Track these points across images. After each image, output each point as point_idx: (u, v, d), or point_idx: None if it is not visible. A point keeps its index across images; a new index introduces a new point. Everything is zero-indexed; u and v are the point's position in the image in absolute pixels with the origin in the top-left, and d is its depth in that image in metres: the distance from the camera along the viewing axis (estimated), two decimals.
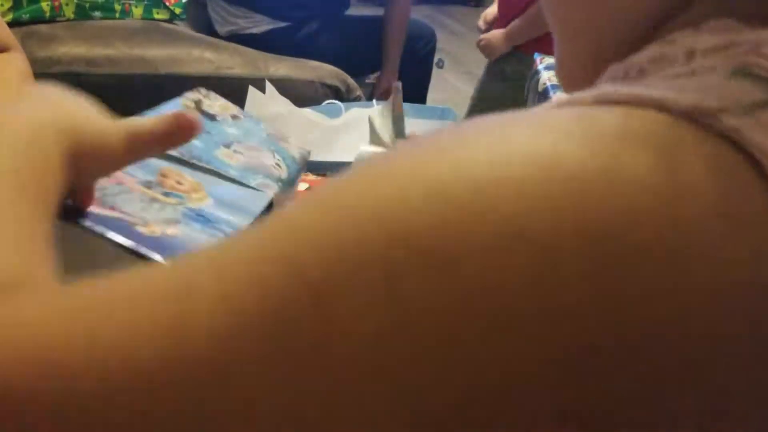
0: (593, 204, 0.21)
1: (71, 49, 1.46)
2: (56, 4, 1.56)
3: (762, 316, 0.21)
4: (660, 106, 0.23)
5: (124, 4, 1.67)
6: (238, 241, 0.24)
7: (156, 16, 1.73)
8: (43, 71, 1.40)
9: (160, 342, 0.22)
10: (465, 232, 0.20)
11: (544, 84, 1.79)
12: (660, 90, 0.23)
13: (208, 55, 1.58)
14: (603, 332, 0.20)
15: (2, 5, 1.48)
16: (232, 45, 1.67)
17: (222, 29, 2.02)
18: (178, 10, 1.76)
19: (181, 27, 1.78)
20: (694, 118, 0.22)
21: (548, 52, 2.29)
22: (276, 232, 0.23)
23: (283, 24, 2.01)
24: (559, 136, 0.22)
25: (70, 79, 1.42)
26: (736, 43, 0.26)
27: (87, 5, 1.61)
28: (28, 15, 1.52)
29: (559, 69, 0.37)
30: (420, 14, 2.29)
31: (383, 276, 0.20)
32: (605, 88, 0.24)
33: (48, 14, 1.55)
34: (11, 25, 1.47)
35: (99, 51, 1.48)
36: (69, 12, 1.58)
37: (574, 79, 0.36)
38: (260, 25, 2.01)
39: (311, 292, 0.21)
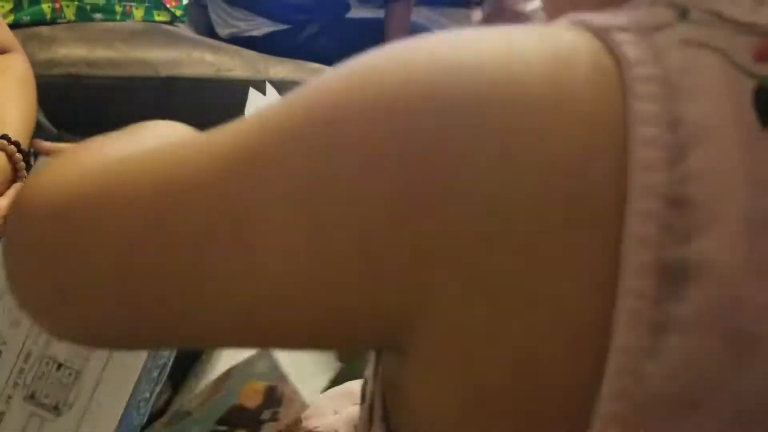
0: (461, 79, 0.26)
1: (72, 50, 1.46)
2: (57, 6, 1.56)
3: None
4: (587, 26, 0.27)
5: (124, 5, 1.67)
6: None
7: (157, 18, 1.73)
8: (44, 73, 1.40)
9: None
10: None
11: None
12: (605, 17, 0.27)
13: (209, 57, 1.58)
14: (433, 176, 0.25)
15: (3, 7, 1.48)
16: (233, 47, 1.68)
17: (223, 31, 2.02)
18: (178, 12, 1.76)
19: (182, 29, 1.78)
20: (601, 35, 0.26)
21: None
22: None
23: (283, 27, 2.01)
24: (498, 41, 0.27)
25: (71, 81, 1.42)
26: None
27: (88, 7, 1.61)
28: (28, 17, 1.52)
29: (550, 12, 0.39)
30: (420, 16, 2.29)
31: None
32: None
33: (49, 16, 1.55)
34: (12, 26, 1.47)
35: (100, 53, 1.48)
36: (70, 14, 1.58)
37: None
38: (260, 27, 2.01)
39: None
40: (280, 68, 1.61)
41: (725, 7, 0.26)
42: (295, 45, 1.94)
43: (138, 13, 1.70)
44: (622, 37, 0.26)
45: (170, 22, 1.76)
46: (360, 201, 0.26)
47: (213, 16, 2.06)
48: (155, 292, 0.30)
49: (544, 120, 0.25)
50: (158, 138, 0.41)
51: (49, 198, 0.33)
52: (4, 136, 0.96)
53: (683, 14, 0.26)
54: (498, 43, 0.27)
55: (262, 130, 0.30)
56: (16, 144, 0.96)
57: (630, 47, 0.25)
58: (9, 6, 1.49)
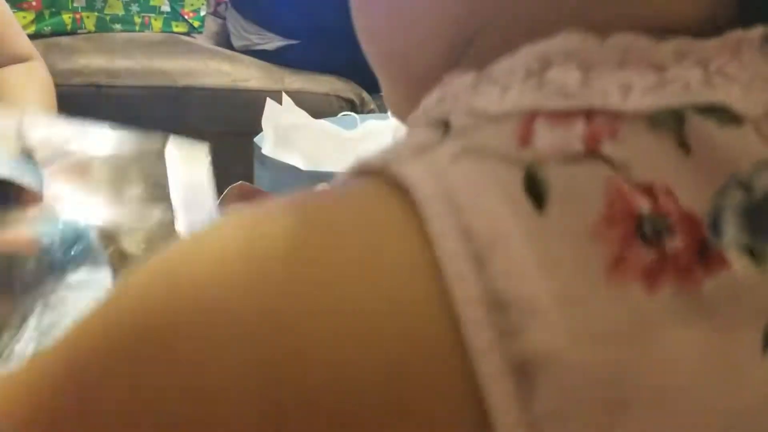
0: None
1: (92, 60, 1.48)
2: (78, 16, 1.59)
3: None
4: (369, 170, 0.26)
5: (143, 17, 1.70)
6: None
7: (175, 29, 1.75)
8: (64, 83, 1.42)
9: None
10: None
11: None
12: (388, 151, 0.26)
13: (225, 67, 1.60)
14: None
15: (25, 17, 1.51)
16: (249, 58, 1.70)
17: (237, 43, 2.04)
18: (196, 23, 1.79)
19: (200, 40, 1.81)
20: (382, 174, 0.25)
21: None
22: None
23: (293, 41, 2.03)
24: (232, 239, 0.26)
25: (91, 91, 1.45)
26: (444, 96, 0.28)
27: (108, 18, 1.63)
28: (50, 27, 1.55)
29: (385, 97, 0.37)
30: None
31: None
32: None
33: (69, 27, 1.58)
34: (33, 37, 1.50)
35: (119, 63, 1.50)
36: (90, 24, 1.61)
37: (397, 106, 0.36)
38: (272, 42, 2.03)
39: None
40: (295, 78, 1.63)
41: (478, 101, 0.26)
42: (306, 58, 1.95)
43: (157, 24, 1.72)
44: (401, 169, 0.25)
45: (188, 33, 1.78)
46: None
47: (230, 27, 2.08)
48: None
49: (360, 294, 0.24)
50: None
51: None
52: None
53: (446, 127, 0.26)
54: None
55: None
56: None
57: (410, 174, 0.25)
58: (31, 16, 1.52)
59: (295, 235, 0.25)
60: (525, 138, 0.25)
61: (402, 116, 0.35)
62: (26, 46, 1.12)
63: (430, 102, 0.28)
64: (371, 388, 0.23)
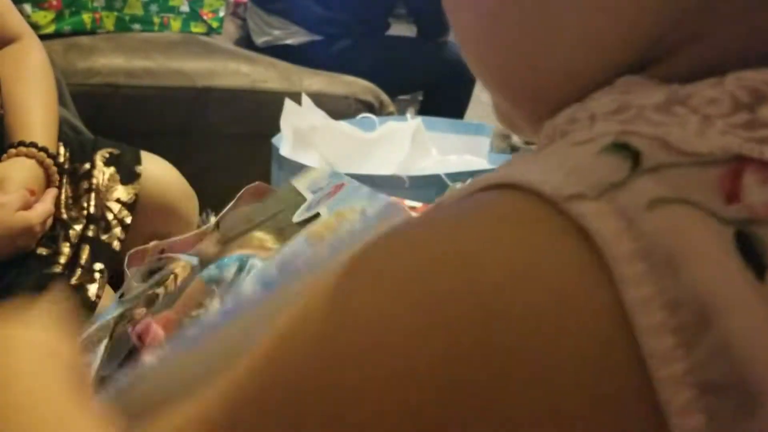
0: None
1: (111, 60, 1.48)
2: (97, 16, 1.59)
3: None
4: (530, 190, 0.23)
5: (162, 17, 1.69)
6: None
7: (193, 30, 1.75)
8: (84, 82, 1.42)
9: None
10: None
11: None
12: (537, 171, 0.24)
13: (244, 68, 1.59)
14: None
15: (45, 17, 1.51)
16: (268, 58, 1.69)
17: (258, 39, 2.04)
18: (215, 24, 1.79)
19: (218, 40, 1.80)
20: (554, 202, 0.23)
21: None
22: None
23: (318, 37, 2.03)
24: (437, 233, 0.24)
25: (110, 90, 1.45)
26: (625, 107, 0.25)
27: (127, 18, 1.63)
28: (69, 27, 1.55)
29: (498, 115, 0.34)
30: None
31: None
32: (489, 175, 0.25)
33: (89, 26, 1.58)
34: (53, 36, 1.51)
35: (138, 63, 1.50)
36: (109, 24, 1.61)
37: (513, 123, 0.33)
38: (296, 36, 2.02)
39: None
40: (315, 80, 1.62)
41: (673, 136, 0.23)
42: (329, 56, 1.95)
43: (175, 24, 1.72)
44: (582, 209, 0.22)
45: (207, 34, 1.78)
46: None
47: (251, 24, 2.08)
48: None
49: (551, 331, 0.22)
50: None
51: None
52: (33, 144, 0.96)
53: (635, 161, 0.23)
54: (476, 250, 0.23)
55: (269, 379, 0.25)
56: (45, 149, 0.97)
57: (597, 220, 0.22)
58: (51, 16, 1.52)
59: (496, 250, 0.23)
60: (733, 193, 0.22)
61: (515, 123, 0.32)
62: (17, 23, 1.10)
63: (598, 107, 0.25)
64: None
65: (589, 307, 0.22)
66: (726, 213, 0.22)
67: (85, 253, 0.99)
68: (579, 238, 0.22)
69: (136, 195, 1.09)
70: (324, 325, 0.24)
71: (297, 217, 0.64)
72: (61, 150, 1.06)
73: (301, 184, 0.70)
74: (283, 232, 0.65)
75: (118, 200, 1.07)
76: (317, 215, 0.62)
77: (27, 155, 0.95)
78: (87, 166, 1.07)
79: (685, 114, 0.23)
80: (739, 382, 0.21)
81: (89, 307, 0.93)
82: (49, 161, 0.97)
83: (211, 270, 0.61)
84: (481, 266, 0.23)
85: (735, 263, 0.21)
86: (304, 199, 0.67)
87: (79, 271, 0.96)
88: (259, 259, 0.62)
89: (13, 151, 0.95)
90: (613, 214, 0.22)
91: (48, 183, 0.98)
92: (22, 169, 0.94)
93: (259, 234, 0.68)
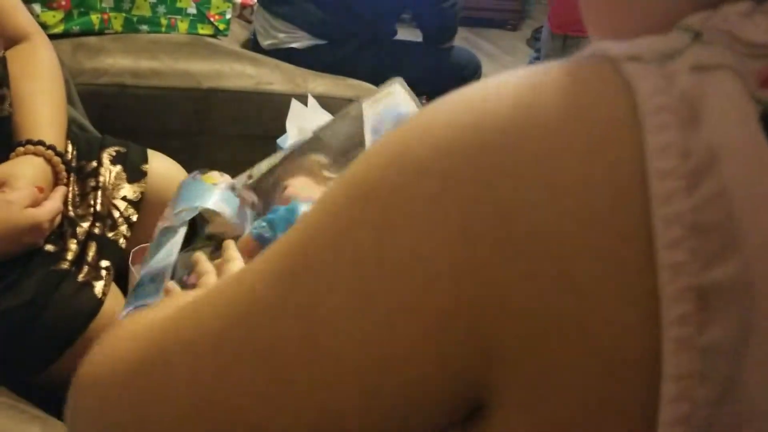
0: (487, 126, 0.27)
1: (118, 60, 1.49)
2: (105, 17, 1.60)
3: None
4: (605, 56, 0.28)
5: (170, 18, 1.71)
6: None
7: (200, 31, 1.76)
8: (91, 81, 1.43)
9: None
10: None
11: None
12: (622, 46, 0.28)
13: (250, 70, 1.60)
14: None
15: (54, 17, 1.52)
16: (274, 61, 1.70)
17: (264, 41, 2.05)
18: (222, 26, 1.80)
19: (225, 42, 1.81)
20: (615, 65, 0.27)
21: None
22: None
23: (322, 42, 2.03)
24: (522, 84, 0.29)
25: (116, 90, 1.46)
26: (713, 16, 0.28)
27: (135, 19, 1.65)
28: (78, 27, 1.56)
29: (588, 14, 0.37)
30: (457, 37, 2.30)
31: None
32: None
33: (97, 27, 1.59)
34: (61, 36, 1.52)
35: (145, 63, 1.51)
36: (117, 25, 1.62)
37: (604, 22, 0.36)
38: (300, 40, 2.03)
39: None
40: (320, 83, 1.63)
41: (741, 29, 0.27)
42: (333, 60, 1.95)
43: (183, 25, 1.73)
44: (633, 68, 0.26)
45: (213, 36, 1.79)
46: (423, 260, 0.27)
47: (257, 26, 2.09)
48: (235, 417, 0.30)
49: (577, 167, 0.26)
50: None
51: (110, 369, 0.35)
52: (40, 142, 0.97)
53: (697, 36, 0.27)
54: (522, 94, 0.28)
55: (305, 233, 0.30)
56: (52, 147, 0.98)
57: (641, 77, 0.26)
58: (60, 16, 1.53)
59: (558, 93, 0.27)
60: (766, 81, 0.25)
61: (604, 31, 0.35)
62: (27, 22, 1.10)
63: (690, 20, 0.28)
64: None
65: (612, 156, 0.25)
66: (758, 93, 0.25)
67: (91, 251, 1.00)
68: (626, 95, 0.26)
69: (142, 193, 1.09)
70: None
71: None
72: (69, 148, 1.07)
73: (369, 111, 0.66)
74: (347, 156, 0.63)
75: (124, 198, 1.08)
76: None
77: (35, 153, 0.96)
78: (94, 164, 1.08)
79: (761, 18, 0.27)
80: (726, 222, 0.24)
81: (96, 304, 0.93)
82: (56, 159, 0.98)
83: (260, 228, 0.59)
84: (539, 106, 0.27)
85: (752, 127, 0.25)
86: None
87: (86, 269, 0.97)
88: (309, 204, 0.59)
89: (21, 149, 0.96)
90: (657, 74, 0.26)
91: (56, 180, 0.99)
92: (29, 167, 0.95)
93: (315, 157, 0.66)
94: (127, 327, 0.39)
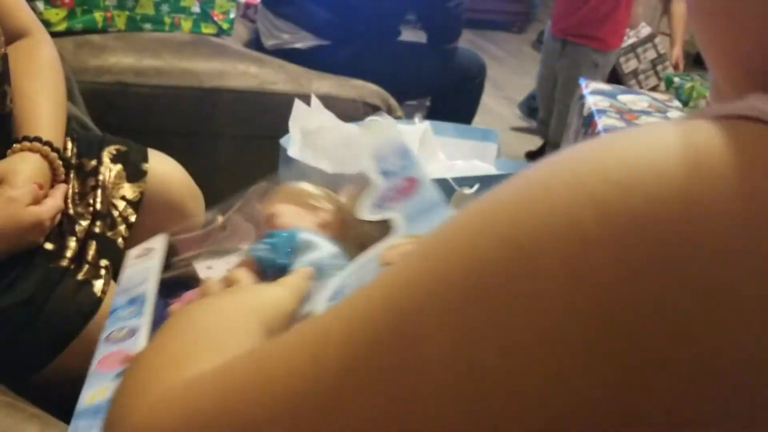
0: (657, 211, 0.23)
1: (121, 59, 1.49)
2: (108, 15, 1.60)
3: None
4: (756, 118, 0.25)
5: (173, 17, 1.70)
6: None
7: (204, 31, 1.76)
8: (94, 80, 1.43)
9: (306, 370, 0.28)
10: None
11: (590, 109, 1.78)
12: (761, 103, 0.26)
13: (253, 69, 1.60)
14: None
15: (57, 14, 1.52)
16: (277, 61, 1.70)
17: (267, 42, 2.05)
18: (225, 26, 1.79)
19: (228, 42, 1.81)
20: None
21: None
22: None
23: (325, 42, 2.03)
24: (658, 146, 0.25)
25: (119, 89, 1.45)
26: None
27: (138, 17, 1.64)
28: (81, 25, 1.56)
29: (713, 93, 0.35)
30: (462, 39, 2.29)
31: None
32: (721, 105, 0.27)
33: (100, 25, 1.58)
34: (64, 34, 1.51)
35: (148, 62, 1.51)
36: (120, 23, 1.62)
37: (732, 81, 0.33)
38: (304, 41, 2.03)
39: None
40: (323, 83, 1.63)
41: None
42: (337, 60, 1.95)
43: (186, 24, 1.73)
44: None
45: (217, 35, 1.79)
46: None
47: (260, 27, 2.09)
48: None
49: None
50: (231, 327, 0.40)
51: (160, 423, 0.32)
52: (37, 138, 0.96)
53: None
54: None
55: (391, 315, 0.26)
56: (49, 143, 0.97)
57: None
58: (63, 13, 1.53)
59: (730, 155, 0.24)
60: None
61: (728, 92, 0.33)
62: (28, 18, 1.09)
63: None
64: None
65: None
66: None
67: (91, 249, 0.99)
68: None
69: (141, 193, 1.09)
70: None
71: (364, 212, 0.56)
72: (69, 145, 1.06)
73: (367, 142, 0.61)
74: (344, 203, 0.60)
75: (123, 198, 1.07)
76: (388, 221, 0.55)
77: (31, 149, 0.95)
78: (94, 162, 1.08)
79: None
80: None
81: (95, 302, 0.93)
82: (53, 155, 0.97)
83: (262, 250, 0.56)
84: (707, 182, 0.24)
85: None
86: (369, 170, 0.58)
87: (86, 267, 0.97)
88: (309, 233, 0.57)
89: (17, 146, 0.95)
90: None
91: (54, 176, 0.98)
92: (26, 164, 0.94)
93: (307, 188, 0.63)
94: (168, 362, 0.36)
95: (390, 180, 0.58)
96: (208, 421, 0.30)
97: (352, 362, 0.26)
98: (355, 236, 0.58)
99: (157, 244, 0.74)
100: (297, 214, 0.62)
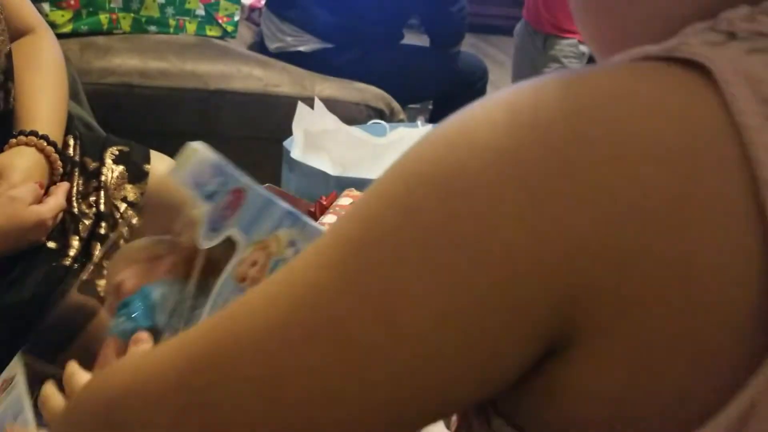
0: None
1: (126, 60, 1.50)
2: (114, 17, 1.61)
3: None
4: (653, 56, 0.30)
5: (178, 20, 1.71)
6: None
7: (208, 33, 1.77)
8: (98, 81, 1.44)
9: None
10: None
11: None
12: (667, 44, 0.30)
13: (257, 72, 1.61)
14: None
15: (63, 16, 1.53)
16: (281, 63, 1.70)
17: (271, 45, 2.05)
18: (230, 28, 1.80)
19: (232, 44, 1.82)
20: (668, 57, 0.30)
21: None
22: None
23: (329, 45, 2.04)
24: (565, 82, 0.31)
25: (124, 90, 1.46)
26: (718, 24, 0.31)
27: (143, 20, 1.65)
28: (86, 26, 1.56)
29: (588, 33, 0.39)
30: (465, 43, 2.30)
31: None
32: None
33: (106, 26, 1.59)
34: (70, 35, 1.52)
35: (152, 64, 1.51)
36: (126, 25, 1.63)
37: (604, 40, 0.38)
38: (308, 44, 2.04)
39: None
40: (326, 86, 1.64)
41: (761, 24, 0.30)
42: (340, 64, 1.96)
43: (191, 27, 1.74)
44: (697, 50, 0.29)
45: (221, 38, 1.80)
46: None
47: (264, 29, 2.09)
48: (308, 409, 0.30)
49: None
50: None
51: (147, 377, 0.35)
52: (33, 132, 0.96)
53: (731, 36, 0.30)
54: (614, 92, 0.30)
55: (361, 223, 0.31)
56: (45, 137, 0.97)
57: (708, 59, 0.29)
58: (68, 15, 1.54)
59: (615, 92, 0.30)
60: None
61: (604, 50, 0.37)
62: (31, 15, 1.09)
63: (696, 28, 0.31)
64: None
65: (705, 127, 0.28)
66: None
67: (96, 250, 1.00)
68: (692, 71, 0.29)
69: (142, 194, 1.09)
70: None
71: (203, 242, 0.54)
72: (71, 142, 1.06)
73: (177, 175, 0.60)
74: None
75: (125, 199, 1.08)
76: (228, 239, 0.53)
77: (26, 144, 0.94)
78: (96, 163, 1.08)
79: (764, 17, 0.31)
80: None
81: (99, 301, 0.93)
82: (49, 148, 0.96)
83: (121, 324, 0.54)
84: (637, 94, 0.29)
85: None
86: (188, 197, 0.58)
87: (91, 267, 0.97)
88: (159, 284, 0.55)
89: (13, 141, 0.94)
90: (720, 55, 0.29)
91: (51, 171, 0.98)
92: (22, 158, 0.93)
93: (141, 242, 0.62)
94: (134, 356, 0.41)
95: (217, 200, 0.57)
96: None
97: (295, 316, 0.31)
98: (207, 266, 0.56)
99: (14, 370, 0.68)
100: (142, 272, 0.59)
